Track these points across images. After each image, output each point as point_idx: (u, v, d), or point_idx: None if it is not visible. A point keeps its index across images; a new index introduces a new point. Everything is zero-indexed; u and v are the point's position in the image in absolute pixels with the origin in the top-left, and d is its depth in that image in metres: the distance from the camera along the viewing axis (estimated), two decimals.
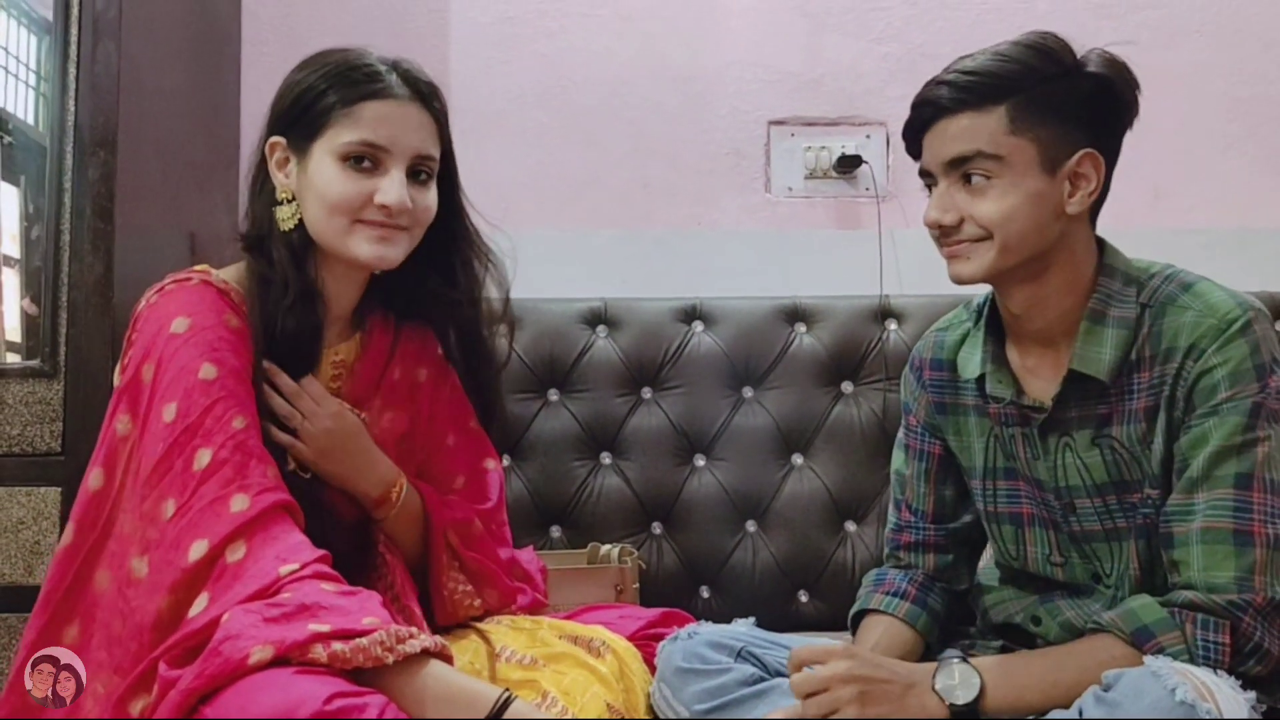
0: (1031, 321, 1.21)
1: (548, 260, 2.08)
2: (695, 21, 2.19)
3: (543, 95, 2.17)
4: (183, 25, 1.89)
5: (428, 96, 1.25)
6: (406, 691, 1.01)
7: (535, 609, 1.39)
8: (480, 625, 1.31)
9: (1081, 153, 1.16)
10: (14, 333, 1.64)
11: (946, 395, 1.32)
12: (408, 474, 1.32)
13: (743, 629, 1.28)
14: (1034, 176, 1.15)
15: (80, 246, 1.59)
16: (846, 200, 2.18)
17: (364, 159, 1.20)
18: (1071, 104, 1.15)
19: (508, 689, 1.06)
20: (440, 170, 1.28)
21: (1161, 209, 2.18)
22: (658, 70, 2.18)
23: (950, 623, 1.34)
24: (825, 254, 2.15)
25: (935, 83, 1.18)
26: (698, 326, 1.96)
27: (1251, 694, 1.01)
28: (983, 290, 1.27)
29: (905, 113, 1.22)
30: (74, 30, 1.61)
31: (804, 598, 1.88)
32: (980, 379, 1.26)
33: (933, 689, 1.07)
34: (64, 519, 1.18)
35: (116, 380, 1.21)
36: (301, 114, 1.22)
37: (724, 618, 1.38)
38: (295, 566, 1.05)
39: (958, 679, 1.07)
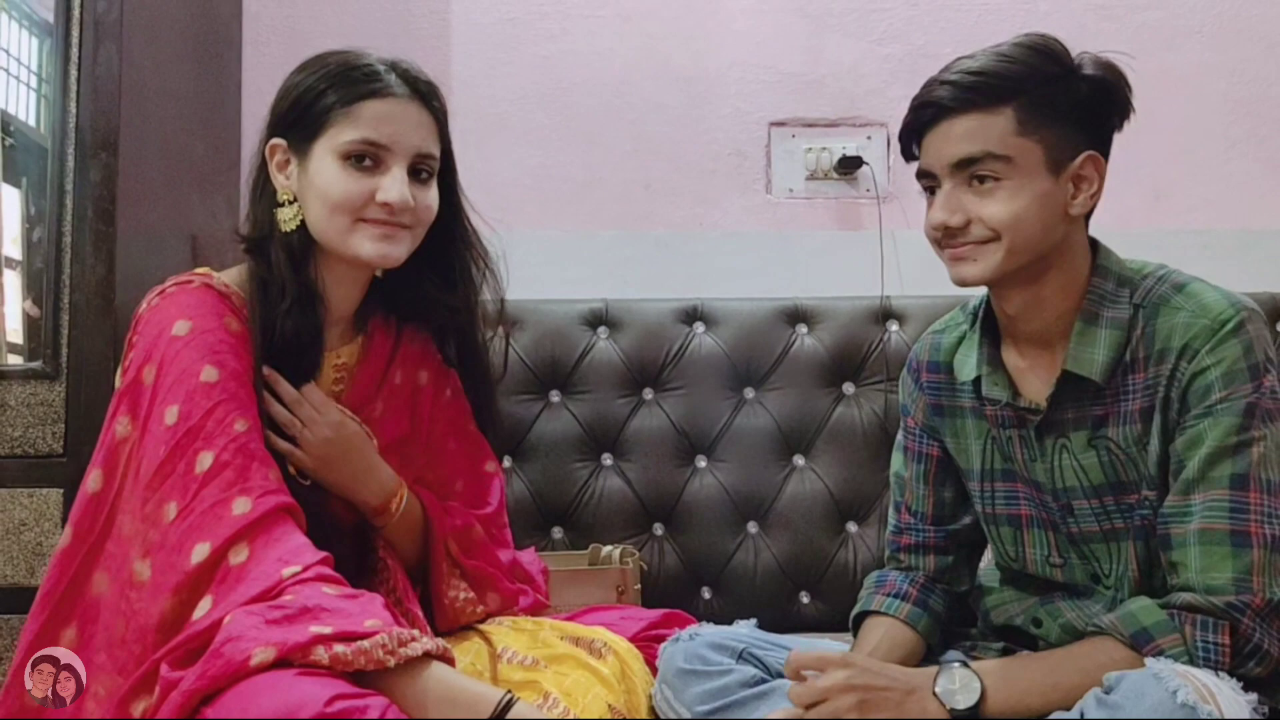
0: (1028, 323, 1.21)
1: (549, 261, 2.08)
2: (696, 23, 2.19)
3: (544, 96, 2.18)
4: (184, 27, 1.89)
5: (427, 95, 1.26)
6: (408, 694, 1.01)
7: (537, 610, 1.39)
8: (482, 626, 1.31)
9: (1085, 154, 1.16)
10: (16, 334, 1.64)
11: (943, 397, 1.32)
12: (408, 478, 1.32)
13: (744, 630, 1.28)
14: (1041, 178, 1.14)
15: (82, 248, 1.59)
16: (847, 201, 2.18)
17: (365, 158, 1.20)
18: (1073, 105, 1.15)
19: (510, 690, 1.06)
20: (440, 169, 1.28)
21: (1162, 210, 2.18)
22: (659, 71, 2.18)
23: (951, 624, 1.34)
24: (826, 255, 2.15)
25: (937, 83, 1.17)
26: (699, 327, 1.96)
27: (1253, 695, 1.01)
28: (980, 291, 1.27)
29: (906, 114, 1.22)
30: (75, 32, 1.62)
31: (805, 599, 1.88)
32: (976, 381, 1.26)
33: (933, 694, 1.07)
34: (66, 520, 1.18)
35: (117, 382, 1.21)
36: (301, 115, 1.22)
37: (725, 619, 1.39)
38: (297, 569, 1.05)
39: (958, 683, 1.07)
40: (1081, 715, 1.00)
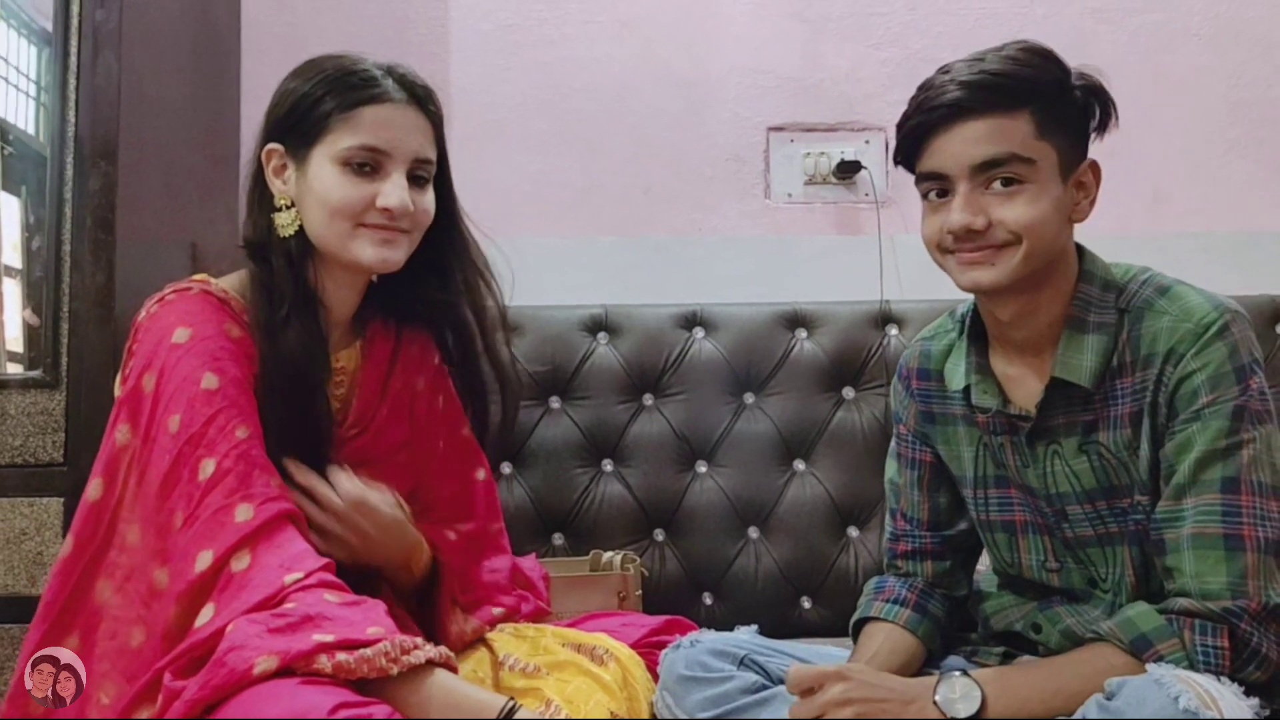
0: (1019, 330, 1.20)
1: (549, 267, 2.08)
2: (694, 28, 2.19)
3: (543, 102, 2.18)
4: (183, 35, 1.89)
5: (424, 100, 1.26)
6: (411, 701, 1.01)
7: (538, 617, 1.39)
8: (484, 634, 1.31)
9: (1088, 161, 1.16)
10: (15, 343, 1.64)
11: (934, 405, 1.32)
12: (408, 486, 1.33)
13: (745, 636, 1.28)
14: (1055, 183, 1.14)
15: (81, 257, 1.59)
16: (846, 206, 2.18)
17: (364, 163, 1.20)
18: (1077, 112, 1.16)
19: (513, 698, 1.06)
20: (436, 174, 1.28)
21: (1161, 212, 2.18)
22: (657, 77, 2.18)
23: (952, 629, 1.34)
24: (825, 260, 2.15)
25: (949, 84, 1.14)
26: (698, 333, 1.96)
27: (1254, 700, 1.01)
28: (968, 296, 1.26)
29: None
30: (74, 41, 1.62)
31: (807, 604, 1.88)
32: (966, 390, 1.25)
33: (933, 702, 1.07)
34: (66, 529, 1.18)
35: (117, 391, 1.21)
36: (299, 120, 1.22)
37: (727, 624, 1.38)
38: (300, 575, 1.05)
39: (958, 692, 1.07)
40: None
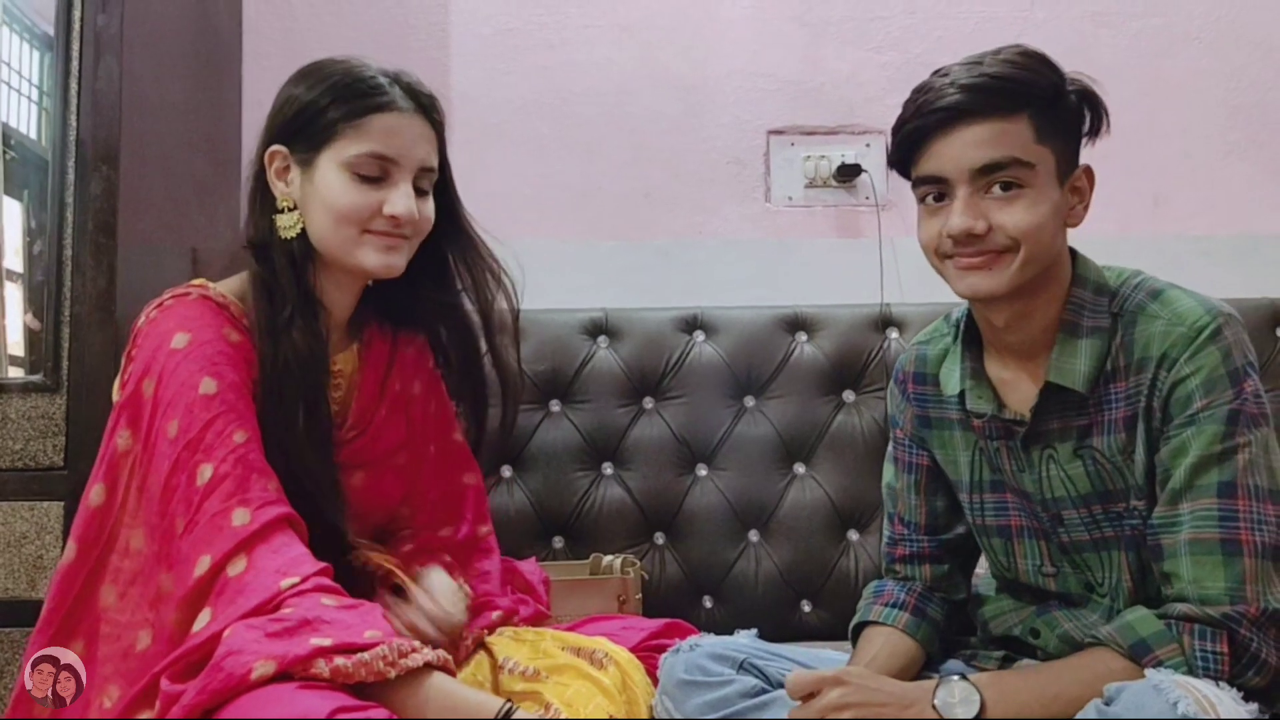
0: (1013, 334, 1.20)
1: (549, 271, 2.07)
2: (694, 32, 2.19)
3: (543, 106, 2.18)
4: (184, 40, 1.90)
5: (429, 108, 1.27)
6: (409, 704, 1.02)
7: (537, 620, 1.39)
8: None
9: (1082, 166, 1.16)
10: (16, 347, 1.64)
11: (930, 409, 1.32)
12: (403, 490, 1.34)
13: (745, 640, 1.28)
14: (1053, 187, 1.14)
15: (82, 261, 1.59)
16: (846, 209, 2.18)
17: (372, 171, 1.22)
18: (1072, 117, 1.16)
19: (510, 700, 1.06)
20: (438, 180, 1.29)
21: (1161, 216, 2.18)
22: (657, 80, 2.19)
23: (951, 633, 1.34)
24: (825, 263, 2.15)
25: (948, 88, 1.13)
26: (699, 336, 1.96)
27: (1254, 706, 1.01)
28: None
29: None
30: (75, 45, 1.62)
31: (807, 607, 1.87)
32: (961, 395, 1.25)
33: (932, 706, 1.06)
34: (66, 533, 1.18)
35: (115, 395, 1.21)
36: (305, 126, 1.23)
37: (727, 628, 1.38)
38: (296, 580, 1.05)
39: (957, 696, 1.07)
40: None
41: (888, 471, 1.39)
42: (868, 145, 2.17)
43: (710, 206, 2.18)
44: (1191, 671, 1.04)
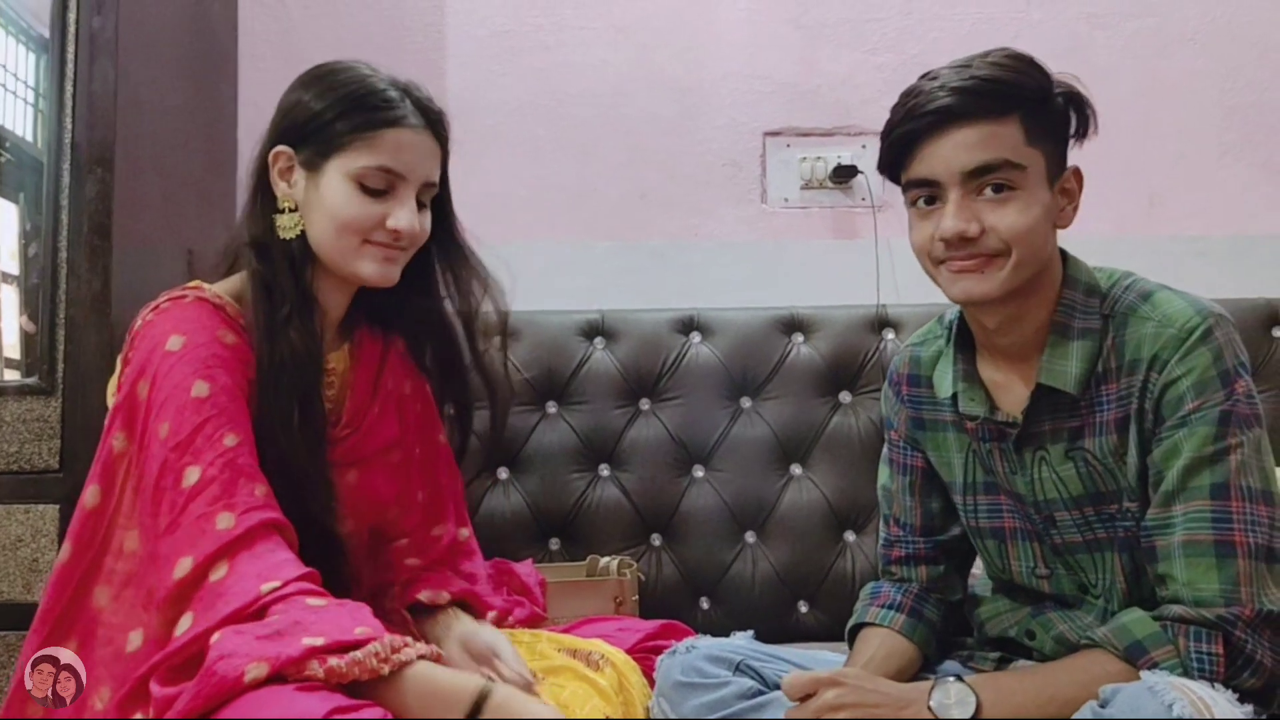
0: (1005, 336, 1.20)
1: (545, 272, 2.08)
2: (690, 34, 2.20)
3: (539, 108, 2.18)
4: (180, 42, 1.89)
5: (437, 125, 1.29)
6: (394, 696, 1.01)
7: (534, 622, 1.39)
8: None
9: (1071, 168, 1.16)
10: (12, 350, 1.64)
11: (924, 411, 1.32)
12: (396, 490, 1.34)
13: (741, 642, 1.28)
14: (1043, 189, 1.14)
15: (78, 263, 1.59)
16: (842, 210, 2.18)
17: (378, 184, 1.22)
18: (1060, 119, 1.16)
19: (491, 676, 1.05)
20: (438, 193, 1.31)
21: (1157, 216, 2.18)
22: (653, 82, 2.19)
23: (948, 634, 1.34)
24: (822, 264, 2.15)
25: (938, 90, 1.13)
26: (695, 337, 1.96)
27: (1249, 707, 1.01)
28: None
29: None
30: (71, 48, 1.62)
31: (804, 608, 1.87)
32: (954, 397, 1.25)
33: (928, 707, 1.06)
34: (62, 536, 1.18)
35: (110, 398, 1.21)
36: (314, 132, 1.23)
37: (724, 629, 1.39)
38: (276, 584, 1.04)
39: (953, 697, 1.07)
40: None
41: (883, 473, 1.39)
42: (864, 147, 2.17)
43: (706, 208, 2.18)
44: (1187, 673, 1.04)
